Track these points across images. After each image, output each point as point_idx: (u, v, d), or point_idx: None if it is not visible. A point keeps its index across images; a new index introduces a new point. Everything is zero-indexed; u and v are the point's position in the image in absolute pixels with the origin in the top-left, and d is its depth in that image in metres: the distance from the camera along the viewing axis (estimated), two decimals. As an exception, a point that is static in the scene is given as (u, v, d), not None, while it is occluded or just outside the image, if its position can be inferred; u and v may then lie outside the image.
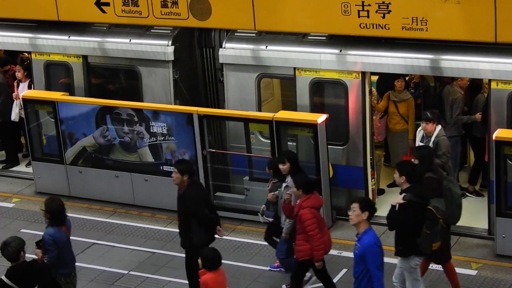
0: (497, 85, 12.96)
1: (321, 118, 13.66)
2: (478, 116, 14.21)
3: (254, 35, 14.56)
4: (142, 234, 14.50)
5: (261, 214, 12.83)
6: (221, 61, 14.84)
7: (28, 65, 16.71)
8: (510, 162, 12.68)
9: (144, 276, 13.15)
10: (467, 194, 14.81)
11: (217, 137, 15.30)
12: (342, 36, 13.85)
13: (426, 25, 12.94)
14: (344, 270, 12.58)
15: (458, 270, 12.72)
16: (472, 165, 15.17)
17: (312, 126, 13.67)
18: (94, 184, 15.60)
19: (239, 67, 14.64)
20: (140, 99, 15.50)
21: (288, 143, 14.12)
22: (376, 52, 13.67)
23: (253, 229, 13.99)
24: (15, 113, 16.76)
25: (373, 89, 14.98)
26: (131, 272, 13.27)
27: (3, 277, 9.73)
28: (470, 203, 14.59)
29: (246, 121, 14.30)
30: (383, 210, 14.57)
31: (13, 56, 17.94)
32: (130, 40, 15.44)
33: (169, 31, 15.23)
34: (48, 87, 16.36)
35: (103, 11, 15.32)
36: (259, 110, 14.69)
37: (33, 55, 16.41)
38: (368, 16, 13.26)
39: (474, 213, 14.09)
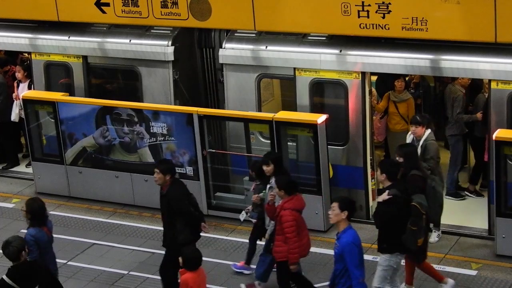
0: (497, 85, 12.96)
1: (321, 118, 13.65)
2: (479, 115, 14.21)
3: (254, 35, 14.56)
4: (142, 235, 14.51)
5: (245, 213, 12.84)
6: (221, 61, 14.85)
7: (28, 66, 16.71)
8: (510, 162, 12.68)
9: (144, 277, 13.15)
10: (467, 193, 14.83)
11: (217, 138, 15.30)
12: (342, 36, 13.85)
13: (426, 25, 12.94)
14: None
15: (458, 270, 12.75)
16: (473, 165, 15.17)
17: (312, 126, 13.66)
18: (94, 184, 15.60)
19: (239, 67, 14.64)
20: (140, 99, 15.50)
21: (288, 143, 14.12)
22: (376, 52, 13.67)
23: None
24: (15, 113, 16.76)
25: (373, 89, 14.99)
26: (131, 273, 13.27)
27: (4, 277, 9.73)
28: (470, 203, 14.61)
29: (246, 121, 14.30)
30: (383, 210, 14.61)
31: (13, 57, 17.94)
32: (130, 41, 15.44)
33: (169, 32, 15.23)
34: (48, 88, 16.36)
35: (103, 12, 15.32)
36: (259, 110, 14.69)
37: (33, 56, 16.41)
38: (368, 16, 13.26)
39: (474, 213, 14.10)
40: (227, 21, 14.53)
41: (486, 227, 13.54)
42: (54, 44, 16.07)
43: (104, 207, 15.47)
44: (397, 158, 12.01)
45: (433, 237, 13.44)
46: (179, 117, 14.57)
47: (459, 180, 15.10)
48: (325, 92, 14.40)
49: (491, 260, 13.00)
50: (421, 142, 12.95)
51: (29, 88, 16.52)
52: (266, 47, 14.40)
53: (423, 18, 12.92)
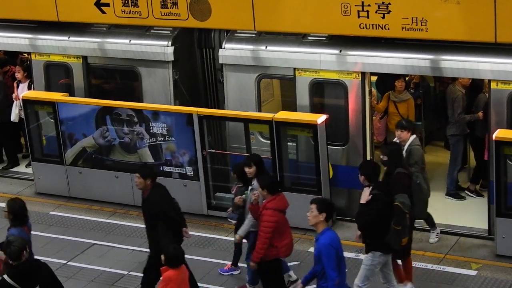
0: (497, 85, 12.96)
1: (321, 118, 13.66)
2: (480, 114, 14.21)
3: (254, 35, 14.56)
4: (142, 235, 14.47)
5: (228, 212, 12.90)
6: (221, 61, 14.84)
7: (28, 66, 16.71)
8: (510, 162, 12.68)
9: (144, 277, 13.15)
10: (468, 193, 14.82)
11: (217, 138, 15.30)
12: (342, 36, 13.85)
13: (426, 25, 12.94)
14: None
15: (458, 270, 12.75)
16: (475, 165, 15.19)
17: (312, 127, 13.66)
18: (94, 184, 15.60)
19: (239, 67, 14.64)
20: (140, 99, 15.50)
21: (288, 143, 14.12)
22: (376, 52, 13.67)
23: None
24: (15, 114, 16.76)
25: (373, 90, 14.99)
26: (131, 273, 13.26)
27: (5, 276, 9.73)
28: (470, 203, 14.61)
29: (246, 121, 14.30)
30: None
31: (13, 57, 17.93)
32: (130, 41, 15.44)
33: (169, 32, 15.23)
34: (48, 88, 16.35)
35: (103, 12, 15.32)
36: (259, 110, 14.69)
37: (33, 56, 16.41)
38: (368, 17, 13.26)
39: (474, 214, 14.10)
40: (227, 21, 14.53)
41: (486, 227, 13.54)
42: (54, 45, 16.07)
43: (104, 207, 15.47)
44: (381, 157, 12.05)
45: (432, 237, 13.44)
46: (179, 117, 14.57)
47: (459, 180, 15.09)
48: (325, 92, 14.39)
49: (491, 260, 13.00)
50: (405, 147, 12.85)
51: (29, 88, 16.52)
52: (266, 47, 14.40)
53: (423, 18, 12.92)
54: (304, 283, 10.39)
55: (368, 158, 14.11)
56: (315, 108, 14.29)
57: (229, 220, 12.84)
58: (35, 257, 10.76)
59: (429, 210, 14.40)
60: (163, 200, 11.79)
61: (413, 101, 15.30)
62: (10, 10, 16.18)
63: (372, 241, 11.28)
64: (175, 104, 15.21)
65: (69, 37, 15.96)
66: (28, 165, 17.08)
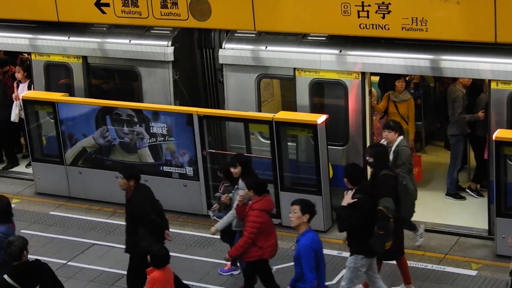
0: (497, 85, 12.96)
1: (321, 118, 13.65)
2: (481, 114, 14.20)
3: (254, 35, 14.56)
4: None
5: (212, 211, 12.88)
6: (221, 61, 14.85)
7: (28, 66, 16.72)
8: (510, 162, 12.68)
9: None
10: (469, 191, 14.80)
11: (217, 138, 15.30)
12: (342, 36, 13.85)
13: (426, 25, 12.94)
14: (344, 271, 12.55)
15: (458, 270, 12.75)
16: (476, 165, 15.21)
17: (312, 127, 13.66)
18: (94, 184, 15.60)
19: (239, 67, 14.64)
20: (140, 99, 15.50)
21: (288, 143, 14.12)
22: (376, 52, 13.67)
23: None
24: (15, 114, 16.77)
25: (373, 90, 14.98)
26: (131, 273, 13.26)
27: (5, 276, 9.73)
28: (470, 203, 14.61)
29: (246, 121, 14.30)
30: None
31: (13, 57, 17.93)
32: (130, 41, 15.44)
33: (169, 32, 15.23)
34: (48, 88, 16.36)
35: (103, 12, 15.32)
36: (259, 110, 14.69)
37: (33, 56, 16.41)
38: (368, 17, 13.26)
39: (474, 214, 14.10)
40: (227, 22, 14.53)
41: (486, 227, 13.54)
42: (54, 45, 16.07)
43: (104, 207, 15.47)
44: (367, 158, 12.06)
45: (418, 240, 13.34)
46: (179, 117, 14.57)
47: (459, 180, 15.08)
48: (325, 92, 14.40)
49: (491, 260, 12.99)
50: (393, 148, 12.76)
51: (29, 88, 16.52)
52: (266, 47, 14.40)
53: (423, 18, 12.92)
54: (291, 285, 10.38)
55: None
56: (315, 108, 14.29)
57: (216, 218, 12.80)
58: (36, 257, 10.74)
59: (429, 210, 14.44)
60: (145, 202, 11.72)
61: (413, 101, 15.29)
62: (10, 10, 16.18)
63: (355, 244, 11.27)
64: (175, 104, 15.21)
65: (69, 37, 15.96)
66: (28, 165, 17.08)
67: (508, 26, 12.49)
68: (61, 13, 15.73)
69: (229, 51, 14.66)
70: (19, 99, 16.41)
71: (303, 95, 14.25)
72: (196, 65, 15.59)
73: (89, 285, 13.02)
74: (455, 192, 14.84)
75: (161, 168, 14.88)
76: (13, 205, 15.73)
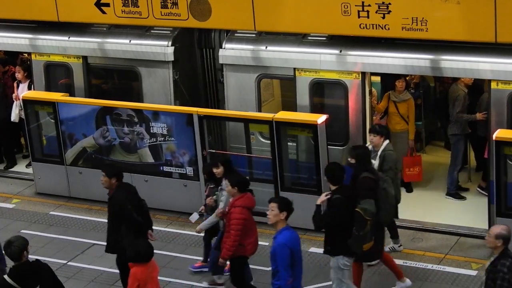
0: (497, 85, 12.96)
1: (321, 118, 13.65)
2: (479, 115, 14.18)
3: (254, 35, 14.56)
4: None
5: (198, 214, 12.87)
6: (221, 61, 14.85)
7: (28, 66, 16.71)
8: (510, 162, 12.68)
9: (144, 277, 13.14)
10: (479, 190, 14.72)
11: (217, 138, 15.30)
12: (342, 36, 13.85)
13: (426, 25, 12.94)
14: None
15: (458, 270, 12.74)
16: (477, 164, 15.20)
17: (312, 127, 13.66)
18: (94, 184, 15.56)
19: (239, 67, 14.64)
20: (140, 99, 15.50)
21: (288, 143, 14.12)
22: (376, 52, 13.67)
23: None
24: (15, 114, 16.77)
25: (373, 90, 14.99)
26: (131, 273, 13.25)
27: (6, 277, 9.73)
28: (470, 203, 14.61)
29: (246, 121, 14.30)
30: (383, 211, 14.58)
31: (13, 57, 17.94)
32: (130, 41, 15.44)
33: (169, 32, 15.23)
34: (48, 88, 16.35)
35: (103, 12, 15.32)
36: (259, 110, 14.69)
37: (33, 56, 16.41)
38: (368, 17, 13.26)
39: (474, 214, 14.10)
40: (227, 22, 14.53)
41: (487, 227, 13.51)
42: (54, 45, 16.07)
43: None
44: (348, 159, 12.08)
45: (392, 246, 13.32)
46: (179, 117, 14.57)
47: (459, 180, 15.08)
48: (325, 92, 14.40)
49: (491, 260, 12.98)
50: (379, 153, 12.66)
51: (29, 88, 16.52)
52: (266, 47, 14.40)
53: (423, 18, 12.92)
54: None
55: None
56: (315, 108, 14.29)
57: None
58: (36, 257, 10.75)
59: (430, 210, 14.45)
60: (127, 200, 11.72)
61: (413, 101, 15.28)
62: (10, 10, 16.18)
63: (335, 244, 11.30)
64: (175, 104, 15.21)
65: (69, 37, 15.96)
66: (28, 165, 17.08)
67: (508, 26, 12.49)
68: (61, 13, 15.73)
69: (229, 51, 14.66)
70: (19, 99, 16.41)
71: (303, 95, 14.25)
72: (196, 65, 15.58)
73: (89, 285, 13.02)
74: (455, 192, 14.83)
75: (161, 168, 14.88)
76: (13, 205, 15.85)
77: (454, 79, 14.73)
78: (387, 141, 12.76)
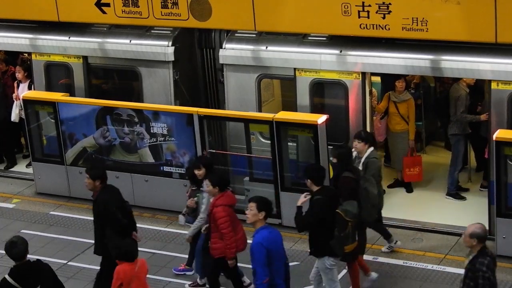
0: (498, 85, 12.96)
1: (321, 118, 13.65)
2: (483, 117, 14.15)
3: (254, 35, 14.56)
4: (142, 235, 14.47)
5: (182, 214, 12.88)
6: (221, 61, 14.85)
7: (29, 66, 16.72)
8: (511, 163, 12.68)
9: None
10: (482, 190, 14.71)
11: (217, 138, 15.30)
12: (342, 36, 13.85)
13: (426, 25, 12.94)
14: (345, 271, 12.56)
15: (458, 270, 12.72)
16: (477, 164, 15.19)
17: (312, 127, 13.66)
18: (94, 184, 15.59)
19: (240, 67, 14.64)
20: (140, 99, 15.50)
21: (289, 143, 14.12)
22: (376, 52, 13.67)
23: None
24: (15, 113, 16.78)
25: (374, 90, 14.99)
26: (132, 273, 13.25)
27: (7, 276, 9.74)
28: (470, 204, 14.60)
29: (246, 121, 14.30)
30: (384, 211, 14.60)
31: (13, 57, 17.94)
32: (130, 41, 15.45)
33: (169, 32, 15.24)
34: (49, 88, 16.36)
35: (103, 12, 15.32)
36: (259, 110, 14.69)
37: (33, 56, 16.42)
38: (368, 17, 13.26)
39: (474, 214, 14.09)
40: (227, 22, 14.53)
41: (487, 227, 13.50)
42: (54, 45, 16.08)
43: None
44: (331, 159, 12.08)
45: (384, 249, 13.30)
46: (179, 117, 14.57)
47: (459, 180, 15.07)
48: (325, 92, 14.40)
49: (491, 260, 12.98)
50: (362, 160, 12.60)
51: (29, 88, 16.53)
52: (267, 47, 14.40)
53: (423, 18, 12.92)
54: None
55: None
56: (316, 108, 14.29)
57: (187, 224, 12.81)
58: (36, 257, 10.75)
59: (430, 210, 14.44)
60: (111, 202, 11.73)
61: (413, 102, 15.28)
62: (11, 10, 16.18)
63: (318, 247, 11.33)
64: (175, 104, 15.21)
65: (69, 37, 15.96)
66: (28, 165, 17.08)
67: (508, 26, 12.49)
68: (62, 13, 15.74)
69: (230, 51, 14.66)
70: (19, 99, 16.42)
71: (303, 95, 14.25)
72: (197, 65, 15.58)
73: (89, 285, 13.01)
74: (455, 192, 14.83)
75: (162, 168, 14.88)
76: (13, 205, 15.86)
77: (454, 79, 14.73)
78: (371, 149, 12.65)
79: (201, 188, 12.27)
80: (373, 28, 13.30)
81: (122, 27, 15.62)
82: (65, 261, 13.66)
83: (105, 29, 15.83)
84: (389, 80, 15.35)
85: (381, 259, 13.23)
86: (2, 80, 17.27)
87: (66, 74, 16.26)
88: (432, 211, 14.39)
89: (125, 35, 15.55)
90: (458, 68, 13.25)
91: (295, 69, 14.21)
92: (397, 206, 14.72)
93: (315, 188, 11.30)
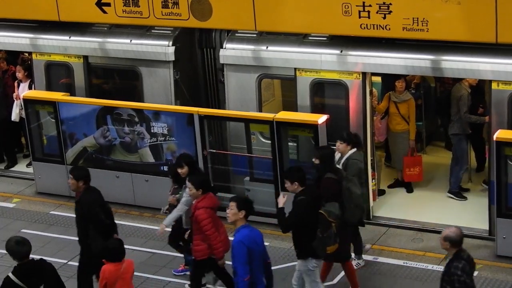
0: (498, 85, 12.95)
1: (321, 118, 13.66)
2: (487, 118, 14.13)
3: (254, 35, 14.56)
4: (142, 235, 14.51)
5: (164, 213, 12.93)
6: (221, 61, 14.85)
7: (29, 65, 16.72)
8: (511, 163, 12.68)
9: (145, 277, 13.15)
10: (484, 185, 14.69)
11: (217, 138, 15.30)
12: (342, 36, 13.85)
13: (426, 25, 12.93)
14: (343, 273, 12.56)
15: (458, 270, 12.73)
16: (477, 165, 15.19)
17: (313, 127, 13.66)
18: (94, 184, 15.43)
19: (240, 67, 14.64)
20: (140, 99, 15.50)
21: (289, 143, 14.13)
22: (376, 52, 13.66)
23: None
24: (16, 113, 16.78)
25: (374, 90, 14.99)
26: (132, 273, 13.26)
27: (10, 275, 9.75)
28: (471, 204, 14.60)
29: (247, 121, 14.30)
30: (384, 211, 14.64)
31: (14, 56, 17.94)
32: (130, 41, 15.45)
33: (170, 32, 15.24)
34: (49, 88, 16.36)
35: (104, 12, 15.32)
36: (260, 110, 14.69)
37: (34, 56, 16.41)
38: (368, 17, 13.26)
39: (474, 214, 14.10)
40: (228, 22, 14.53)
41: (487, 227, 13.54)
42: (55, 44, 16.08)
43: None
44: (313, 160, 12.11)
45: (357, 263, 13.09)
46: (180, 117, 14.58)
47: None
48: (325, 92, 14.39)
49: (491, 260, 13.00)
50: (342, 160, 12.58)
51: (30, 88, 16.53)
52: (267, 47, 14.40)
53: (424, 18, 12.91)
54: None
55: (369, 158, 14.08)
56: (316, 108, 14.29)
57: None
58: (40, 256, 10.75)
59: (430, 210, 14.43)
60: (95, 203, 11.78)
61: (413, 102, 15.28)
62: (11, 10, 16.18)
63: (302, 248, 11.34)
64: (175, 104, 15.21)
65: (70, 37, 15.96)
66: (28, 165, 17.08)
67: (509, 27, 12.49)
68: (62, 12, 15.74)
69: (230, 51, 14.66)
70: (19, 99, 16.42)
71: (304, 95, 14.25)
72: (197, 65, 15.58)
73: (89, 284, 13.02)
74: (457, 191, 14.81)
75: (162, 168, 14.88)
76: (13, 205, 15.87)
77: (455, 80, 14.72)
78: (353, 150, 12.58)
79: (184, 185, 12.19)
80: (374, 28, 13.29)
81: (122, 26, 15.62)
82: (65, 261, 13.66)
83: (106, 28, 15.83)
84: (389, 80, 15.34)
85: (381, 259, 13.23)
86: (2, 79, 17.28)
87: (66, 73, 16.26)
88: (432, 211, 14.39)
89: (125, 35, 15.55)
90: (459, 68, 13.25)
91: (295, 69, 14.20)
92: (397, 206, 14.74)
93: (299, 189, 11.31)
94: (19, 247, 9.80)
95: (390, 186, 15.39)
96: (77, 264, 13.52)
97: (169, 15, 14.81)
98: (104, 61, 15.97)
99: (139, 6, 14.98)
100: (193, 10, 14.61)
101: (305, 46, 14.17)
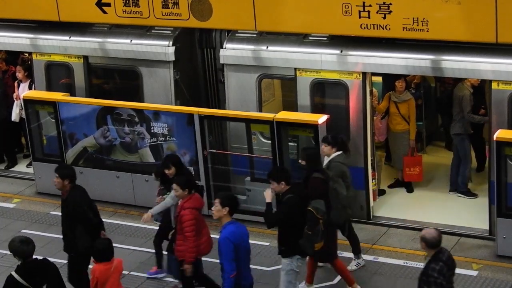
0: (498, 85, 12.95)
1: (322, 118, 13.66)
2: None
3: (255, 35, 14.56)
4: (142, 235, 14.50)
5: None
6: (222, 61, 14.85)
7: (29, 66, 16.72)
8: (511, 163, 12.68)
9: (145, 277, 13.14)
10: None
11: (218, 138, 15.30)
12: (343, 36, 13.85)
13: (427, 25, 12.93)
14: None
15: (458, 271, 12.70)
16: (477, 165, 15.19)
17: (313, 127, 13.66)
18: (94, 184, 15.56)
19: (240, 67, 14.64)
20: (141, 99, 15.50)
21: (289, 143, 14.12)
22: (377, 52, 13.66)
23: (254, 230, 13.97)
24: (16, 113, 16.78)
25: (374, 90, 14.99)
26: (132, 273, 13.25)
27: (13, 273, 9.76)
28: (471, 204, 14.61)
29: (247, 121, 14.30)
30: (384, 211, 14.64)
31: (14, 57, 17.95)
32: (131, 41, 15.45)
33: (170, 32, 15.24)
34: (49, 88, 16.36)
35: (104, 12, 15.32)
36: (260, 110, 14.69)
37: (34, 56, 16.41)
38: (369, 17, 13.26)
39: (474, 214, 14.10)
40: (228, 22, 14.53)
41: (487, 227, 13.54)
42: (55, 44, 16.08)
43: (105, 207, 15.44)
44: (300, 161, 12.14)
45: (351, 265, 12.94)
46: (180, 117, 14.58)
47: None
48: (326, 92, 14.39)
49: (492, 260, 12.99)
50: (325, 162, 12.58)
51: (30, 88, 16.53)
52: (267, 47, 14.40)
53: (424, 18, 12.91)
54: None
55: (369, 158, 14.09)
56: (316, 108, 14.29)
57: (155, 222, 12.86)
58: (42, 256, 10.76)
59: (430, 210, 14.43)
60: (82, 202, 11.77)
61: (414, 101, 15.28)
62: (11, 10, 16.18)
63: (289, 246, 11.33)
64: (176, 104, 15.21)
65: (70, 37, 15.96)
66: (29, 165, 17.08)
67: (509, 27, 12.49)
68: (62, 12, 15.74)
69: (230, 51, 14.66)
70: (19, 99, 16.42)
71: (304, 95, 14.25)
72: (197, 65, 15.59)
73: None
74: (467, 190, 14.81)
75: (162, 168, 14.88)
76: (13, 205, 15.86)
77: (455, 79, 14.72)
78: (338, 152, 12.58)
79: (171, 186, 12.20)
80: (374, 28, 13.29)
81: (122, 27, 15.62)
82: (65, 261, 13.61)
83: (106, 29, 15.83)
84: (390, 80, 15.34)
85: (381, 259, 13.22)
86: (2, 79, 17.28)
87: (66, 74, 16.26)
88: (432, 211, 14.39)
89: (125, 35, 15.55)
90: (459, 68, 13.25)
91: (295, 69, 14.20)
92: (397, 206, 14.74)
93: (286, 188, 11.32)
94: (23, 246, 9.82)
95: (390, 186, 15.39)
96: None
97: (169, 15, 14.81)
98: (104, 61, 15.97)
99: (139, 6, 14.98)
100: (193, 10, 14.61)
101: (305, 46, 14.17)
